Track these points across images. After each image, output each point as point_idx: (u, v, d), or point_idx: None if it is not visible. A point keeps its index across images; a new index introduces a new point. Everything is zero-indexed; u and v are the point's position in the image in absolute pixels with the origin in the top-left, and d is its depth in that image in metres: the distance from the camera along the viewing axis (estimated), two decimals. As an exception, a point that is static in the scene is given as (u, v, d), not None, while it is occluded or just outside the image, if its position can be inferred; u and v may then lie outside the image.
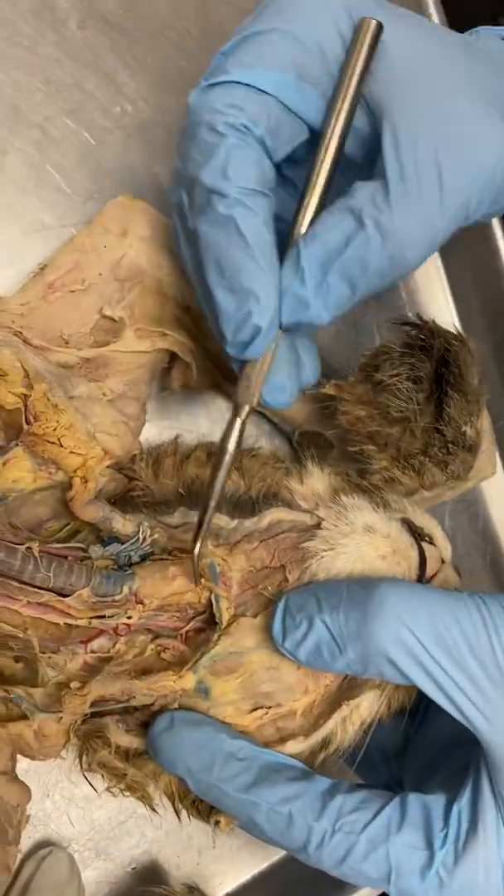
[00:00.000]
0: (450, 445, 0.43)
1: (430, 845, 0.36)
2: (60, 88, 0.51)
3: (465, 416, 0.43)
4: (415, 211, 0.35)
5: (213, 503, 0.39)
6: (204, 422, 0.54)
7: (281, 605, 0.39)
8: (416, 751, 0.45)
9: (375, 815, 0.37)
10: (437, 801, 0.37)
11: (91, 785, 0.42)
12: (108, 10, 0.52)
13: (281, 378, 0.39)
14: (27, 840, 0.48)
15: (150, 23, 0.53)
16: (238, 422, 0.39)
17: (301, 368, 0.40)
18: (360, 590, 0.37)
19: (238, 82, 0.36)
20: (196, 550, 0.39)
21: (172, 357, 0.48)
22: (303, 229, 0.37)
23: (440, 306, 0.60)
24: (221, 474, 0.39)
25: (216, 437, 0.53)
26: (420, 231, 0.36)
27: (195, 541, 0.39)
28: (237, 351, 0.37)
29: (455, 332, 0.44)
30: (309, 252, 0.36)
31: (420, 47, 0.37)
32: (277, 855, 0.54)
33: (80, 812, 0.50)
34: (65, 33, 0.51)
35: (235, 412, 0.39)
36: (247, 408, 0.38)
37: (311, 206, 0.37)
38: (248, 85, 0.36)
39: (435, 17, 0.57)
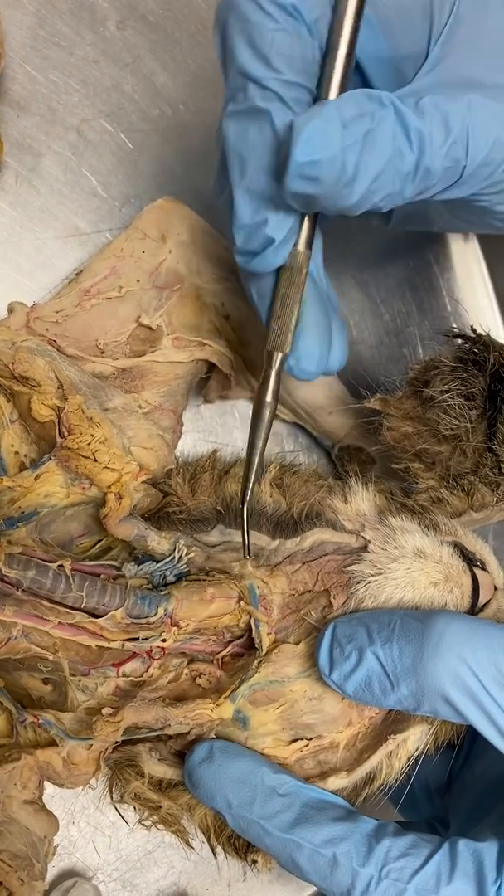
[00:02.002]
0: (502, 465, 0.41)
1: None
2: (98, 90, 0.50)
3: (519, 434, 0.41)
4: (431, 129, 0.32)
5: (255, 463, 0.38)
6: (240, 434, 0.52)
7: (328, 634, 0.37)
8: (462, 789, 0.43)
9: (425, 863, 0.34)
10: (489, 849, 0.35)
11: (122, 817, 0.40)
12: (147, 9, 0.51)
13: (311, 343, 0.37)
14: (51, 869, 0.46)
15: (190, 23, 0.52)
16: (272, 372, 0.37)
17: (331, 345, 0.38)
18: (416, 622, 0.35)
19: None
20: (245, 509, 0.39)
21: (210, 367, 0.46)
22: (332, 94, 0.33)
23: (486, 318, 0.58)
24: (262, 428, 0.38)
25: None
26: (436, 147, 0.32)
27: (242, 499, 0.39)
28: (245, 260, 0.35)
29: (511, 347, 0.41)
30: (336, 104, 0.31)
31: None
32: (309, 889, 0.52)
33: (106, 840, 0.48)
34: (103, 34, 0.50)
35: (268, 361, 0.37)
36: (279, 355, 0.37)
37: (335, 77, 0.33)
38: None
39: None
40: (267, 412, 0.38)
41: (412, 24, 0.35)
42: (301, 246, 0.35)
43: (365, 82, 0.37)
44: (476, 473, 0.42)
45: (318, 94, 0.33)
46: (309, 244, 0.35)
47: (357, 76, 0.36)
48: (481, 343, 0.41)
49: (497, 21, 0.35)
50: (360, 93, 0.31)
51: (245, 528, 0.39)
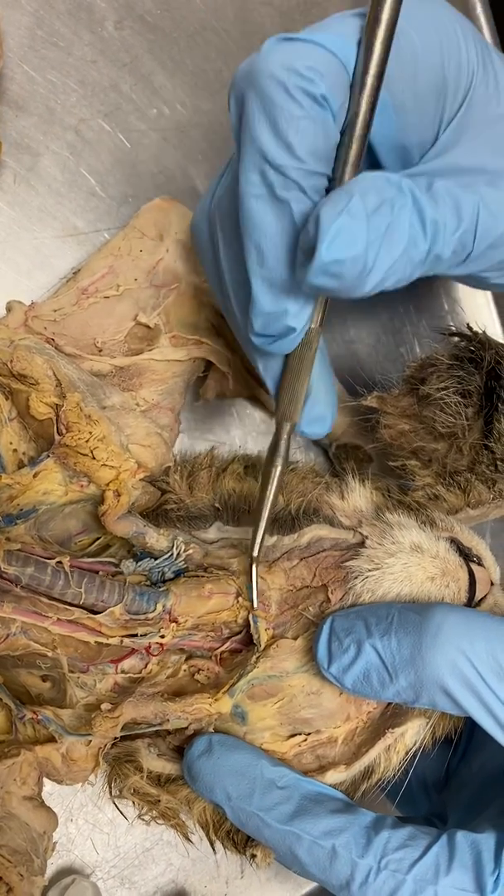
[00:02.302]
0: (498, 462, 0.42)
1: (480, 888, 0.34)
2: (96, 90, 0.50)
3: (515, 432, 0.41)
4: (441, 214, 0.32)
5: (261, 530, 0.39)
6: (237, 433, 0.53)
7: (326, 628, 0.37)
8: (460, 783, 0.43)
9: (423, 854, 0.35)
10: (487, 840, 0.35)
11: (121, 813, 0.40)
12: (145, 10, 0.51)
13: (323, 411, 0.38)
14: (50, 867, 0.46)
15: (188, 23, 0.52)
16: (282, 441, 0.38)
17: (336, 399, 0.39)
18: (414, 614, 0.35)
19: (319, 44, 0.31)
20: (254, 568, 0.39)
21: (207, 366, 0.47)
22: (346, 178, 0.32)
23: (483, 316, 0.59)
24: (271, 492, 0.38)
25: (250, 448, 0.52)
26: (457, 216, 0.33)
27: (251, 559, 0.39)
28: (263, 342, 0.35)
29: (508, 345, 0.42)
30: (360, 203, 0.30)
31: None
32: (308, 886, 0.52)
33: (104, 838, 0.48)
34: (101, 34, 0.50)
35: (278, 430, 0.38)
36: (288, 425, 0.37)
37: (351, 158, 0.32)
38: (328, 49, 0.31)
39: (482, 17, 0.55)
40: (275, 476, 0.38)
41: (426, 108, 0.34)
42: (314, 324, 0.35)
43: (372, 158, 0.37)
44: (472, 471, 0.42)
45: (334, 176, 0.33)
46: (321, 322, 0.35)
47: (366, 154, 0.37)
48: (477, 341, 0.41)
49: None
50: (380, 177, 0.30)
51: (254, 584, 0.39)
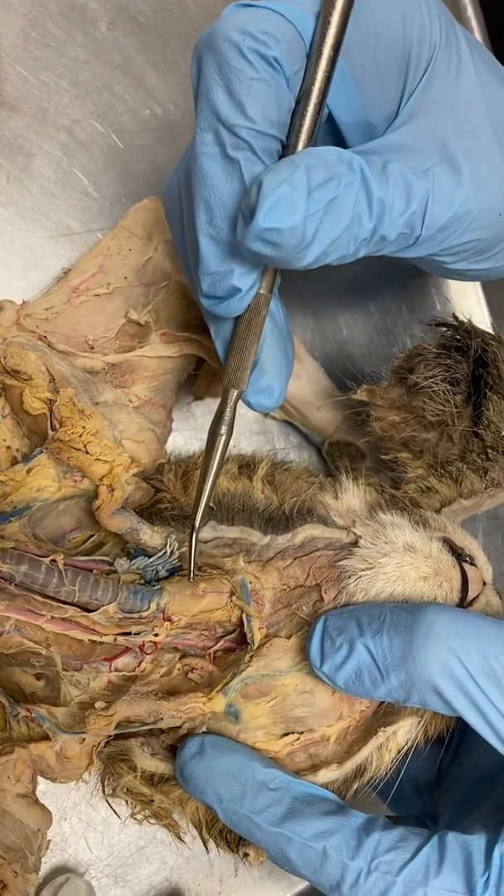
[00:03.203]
0: (489, 450, 0.42)
1: (470, 889, 0.34)
2: (89, 90, 0.50)
3: (504, 418, 0.41)
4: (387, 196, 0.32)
5: (205, 497, 0.38)
6: (230, 432, 0.53)
7: (319, 627, 0.37)
8: (451, 783, 0.43)
9: (413, 856, 0.35)
10: (477, 841, 0.35)
11: (114, 811, 0.40)
12: (138, 11, 0.51)
13: (271, 382, 0.37)
14: (43, 865, 0.46)
15: (180, 24, 0.52)
16: (227, 408, 0.37)
17: (289, 373, 0.38)
18: (405, 614, 0.35)
19: (276, 11, 0.31)
20: (194, 536, 0.38)
21: (198, 363, 0.47)
22: (299, 148, 0.33)
23: (475, 315, 0.59)
24: (215, 463, 0.37)
25: (243, 448, 0.52)
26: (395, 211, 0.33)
27: (192, 530, 0.38)
28: (210, 304, 0.35)
29: (493, 333, 0.42)
30: (303, 171, 0.30)
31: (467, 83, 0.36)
32: (301, 885, 0.52)
33: (98, 836, 0.48)
34: (94, 35, 0.51)
35: (224, 397, 0.37)
36: (235, 392, 0.37)
37: (306, 124, 0.33)
38: (285, 17, 0.31)
39: (473, 19, 0.55)
40: (220, 444, 0.37)
41: (387, 82, 0.35)
42: (263, 290, 0.35)
43: (337, 134, 0.37)
44: (463, 460, 0.42)
45: (288, 144, 0.33)
46: (270, 288, 0.35)
47: (329, 127, 0.37)
48: (463, 330, 0.42)
49: (467, 84, 0.36)
50: (331, 152, 0.31)
51: (193, 554, 0.38)
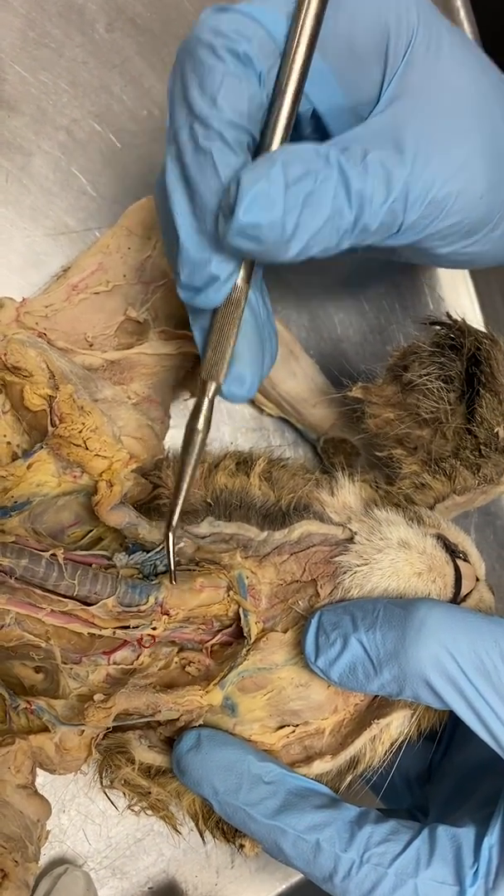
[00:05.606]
0: (482, 447, 0.42)
1: (460, 881, 0.34)
2: (87, 91, 0.51)
3: (497, 416, 0.42)
4: (366, 185, 0.32)
5: (184, 489, 0.37)
6: (226, 429, 0.53)
7: (314, 622, 0.38)
8: (442, 777, 0.44)
9: (405, 848, 0.35)
10: (467, 834, 0.36)
11: (112, 803, 0.41)
12: (136, 12, 0.52)
13: (242, 367, 0.36)
14: (42, 857, 0.47)
15: (177, 26, 0.53)
16: (205, 401, 0.36)
17: (264, 364, 0.38)
18: (399, 609, 0.36)
19: (248, 14, 0.33)
20: (170, 536, 0.38)
21: (196, 360, 0.47)
22: (274, 145, 0.33)
23: (468, 315, 0.59)
24: (193, 458, 0.37)
25: (240, 444, 0.53)
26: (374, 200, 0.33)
27: (167, 528, 0.38)
28: (188, 296, 0.35)
29: (486, 331, 0.43)
30: (280, 167, 0.31)
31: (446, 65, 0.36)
32: (297, 877, 0.53)
33: (96, 829, 0.48)
34: (92, 36, 0.51)
35: (202, 390, 0.36)
36: (213, 385, 0.36)
37: (280, 121, 0.33)
38: (258, 21, 0.33)
39: (462, 14, 0.56)
40: (198, 439, 0.37)
41: (367, 70, 0.35)
42: (240, 281, 0.35)
43: (322, 129, 0.38)
44: (457, 456, 0.43)
45: (262, 142, 0.34)
46: (247, 279, 0.35)
47: (314, 122, 0.37)
48: (457, 328, 0.42)
49: (447, 67, 0.36)
50: (308, 148, 0.31)
51: (171, 551, 0.38)
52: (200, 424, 0.37)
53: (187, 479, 0.37)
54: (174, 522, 0.38)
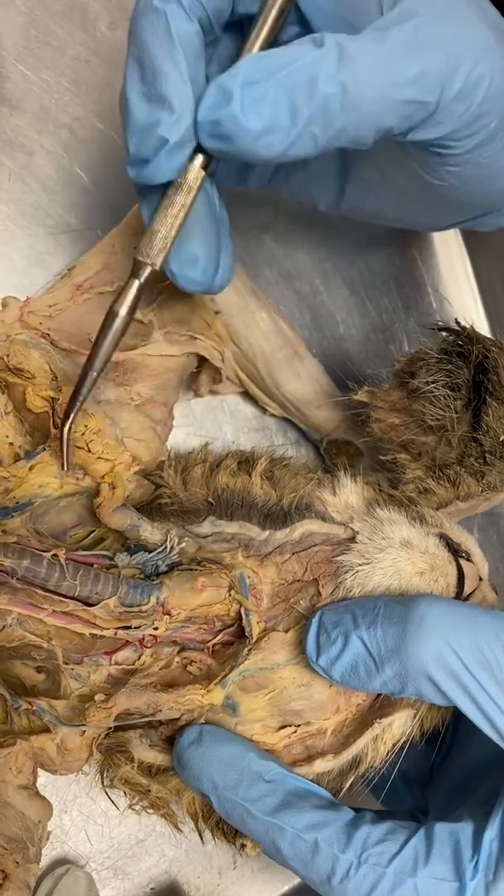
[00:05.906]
0: (487, 455, 0.42)
1: (459, 876, 0.34)
2: (90, 89, 0.51)
3: (503, 424, 0.41)
4: (381, 56, 0.30)
5: (94, 372, 0.35)
6: (229, 429, 0.53)
7: (315, 621, 0.38)
8: (442, 778, 0.44)
9: (402, 847, 0.35)
10: (465, 829, 0.36)
11: (112, 802, 0.41)
12: (139, 10, 0.52)
13: (194, 246, 0.34)
14: (44, 857, 0.47)
15: (181, 24, 0.52)
16: (135, 283, 0.34)
17: (219, 264, 0.35)
18: (399, 606, 0.36)
19: None
20: (66, 429, 0.36)
21: (200, 362, 0.47)
22: (254, 49, 0.32)
23: (470, 313, 0.59)
24: (108, 340, 0.34)
25: (242, 444, 0.52)
26: (380, 76, 0.30)
27: (65, 416, 0.36)
28: (137, 170, 0.33)
29: (494, 339, 0.42)
30: (253, 57, 0.30)
31: None
32: (298, 878, 0.53)
33: (98, 829, 0.48)
34: (95, 34, 0.51)
35: (133, 270, 0.34)
36: (148, 268, 0.34)
37: (264, 28, 0.32)
38: None
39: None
40: (117, 324, 0.34)
41: None
42: (196, 162, 0.33)
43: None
44: (462, 463, 0.43)
45: (246, 43, 0.33)
46: (205, 166, 0.33)
47: (302, 31, 0.36)
48: (465, 335, 0.42)
49: None
50: (306, 39, 0.31)
51: (65, 445, 0.37)
52: (123, 310, 0.34)
53: (97, 365, 0.35)
54: (73, 416, 0.36)
